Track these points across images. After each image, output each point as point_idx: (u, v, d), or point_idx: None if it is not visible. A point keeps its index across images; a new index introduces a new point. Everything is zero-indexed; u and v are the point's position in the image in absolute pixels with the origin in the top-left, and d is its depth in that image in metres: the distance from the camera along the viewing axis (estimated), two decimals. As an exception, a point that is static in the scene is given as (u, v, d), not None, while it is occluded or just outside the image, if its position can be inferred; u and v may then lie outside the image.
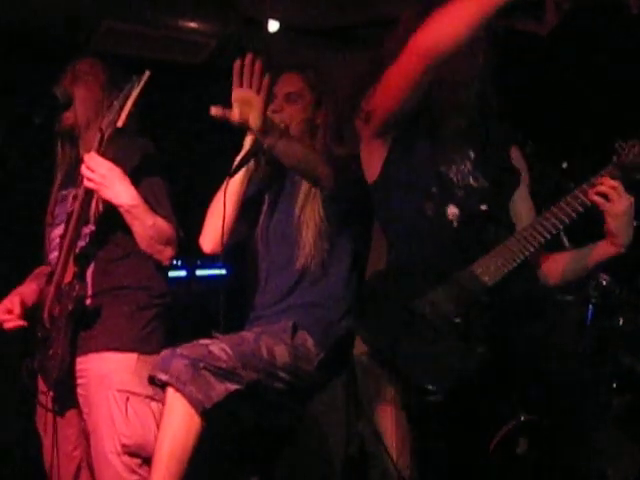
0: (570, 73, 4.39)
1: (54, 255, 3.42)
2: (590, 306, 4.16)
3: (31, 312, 3.41)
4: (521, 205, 3.08)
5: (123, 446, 3.24)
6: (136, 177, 3.29)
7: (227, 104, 2.90)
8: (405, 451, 3.32)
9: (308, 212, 3.31)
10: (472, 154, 2.98)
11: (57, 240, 3.41)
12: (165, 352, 2.97)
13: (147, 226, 3.25)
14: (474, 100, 2.93)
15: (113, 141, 3.17)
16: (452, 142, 2.96)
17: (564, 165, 4.32)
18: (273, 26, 4.84)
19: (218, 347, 2.99)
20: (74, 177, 3.43)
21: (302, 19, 4.89)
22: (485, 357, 2.67)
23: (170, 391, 2.89)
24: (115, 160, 3.22)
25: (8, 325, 3.36)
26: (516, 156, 3.12)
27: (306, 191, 3.32)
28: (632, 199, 2.86)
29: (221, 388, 2.91)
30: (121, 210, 3.21)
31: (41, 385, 3.41)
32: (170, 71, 4.87)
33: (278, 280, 3.42)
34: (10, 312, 3.36)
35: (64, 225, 3.34)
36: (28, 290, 3.47)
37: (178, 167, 3.52)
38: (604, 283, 4.21)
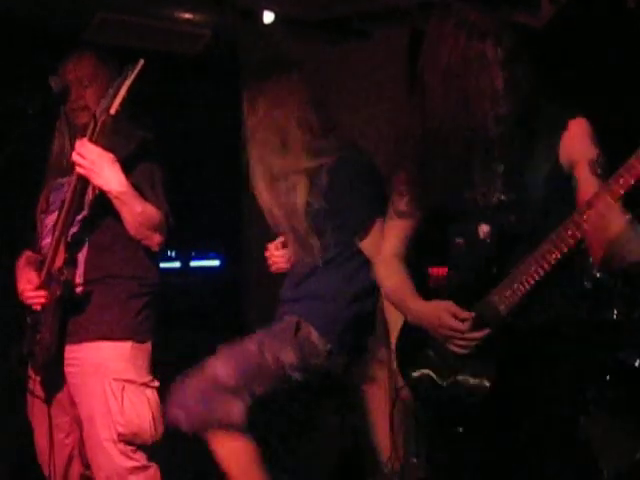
0: (566, 66, 4.39)
1: (47, 241, 3.43)
2: (584, 298, 4.15)
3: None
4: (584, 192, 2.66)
5: (119, 434, 3.28)
6: (130, 163, 3.31)
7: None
8: (399, 444, 3.32)
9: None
10: (501, 167, 2.74)
11: (50, 226, 3.41)
12: (175, 394, 3.16)
13: (136, 213, 3.26)
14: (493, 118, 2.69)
15: (107, 128, 3.17)
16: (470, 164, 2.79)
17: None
18: (268, 17, 4.83)
19: (224, 369, 3.12)
20: (70, 166, 3.41)
21: (298, 10, 4.88)
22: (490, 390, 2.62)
23: (204, 436, 3.13)
24: (109, 147, 3.23)
25: (32, 300, 3.34)
26: (575, 135, 2.66)
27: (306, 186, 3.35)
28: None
29: (239, 406, 3.07)
30: (110, 196, 3.22)
31: (30, 371, 3.43)
32: (165, 62, 4.88)
33: (297, 267, 3.48)
34: (31, 283, 3.37)
35: (58, 211, 3.34)
36: (31, 277, 3.47)
37: (173, 158, 3.52)
38: (597, 275, 4.22)
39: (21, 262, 3.54)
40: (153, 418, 3.37)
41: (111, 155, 3.19)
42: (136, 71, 3.12)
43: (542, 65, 2.55)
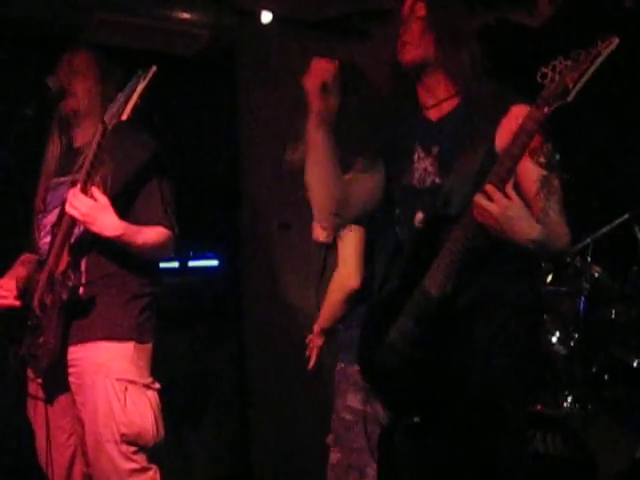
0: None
1: (45, 242, 3.43)
2: (582, 298, 4.16)
3: (21, 298, 3.42)
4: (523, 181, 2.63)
5: (122, 435, 3.28)
6: (144, 174, 3.36)
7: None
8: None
9: None
10: (436, 149, 2.76)
11: (49, 227, 3.41)
12: None
13: (138, 245, 3.31)
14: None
15: (115, 134, 3.17)
16: (404, 147, 2.83)
17: (557, 156, 4.33)
18: (266, 17, 4.83)
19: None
20: (68, 166, 3.44)
21: (296, 10, 4.87)
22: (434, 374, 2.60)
23: None
24: (119, 153, 3.28)
25: (3, 302, 3.40)
26: (514, 121, 2.52)
27: None
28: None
29: None
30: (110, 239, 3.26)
31: (30, 373, 3.43)
32: (162, 62, 4.87)
33: None
34: (6, 290, 3.40)
35: (58, 213, 3.34)
36: (20, 275, 3.47)
37: (170, 159, 3.52)
38: (596, 275, 4.22)
39: (17, 262, 3.55)
40: (155, 420, 3.38)
41: (103, 202, 3.20)
42: (149, 77, 3.11)
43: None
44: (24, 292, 3.41)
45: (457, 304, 2.57)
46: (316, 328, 3.63)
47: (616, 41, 2.35)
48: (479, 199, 2.43)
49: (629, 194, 4.29)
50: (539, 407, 4.10)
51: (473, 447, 2.64)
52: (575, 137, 4.14)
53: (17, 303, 3.39)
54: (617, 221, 4.21)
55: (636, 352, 4.10)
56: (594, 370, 4.15)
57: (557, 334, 4.21)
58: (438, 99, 2.76)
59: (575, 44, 2.40)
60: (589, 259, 4.19)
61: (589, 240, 4.21)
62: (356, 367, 3.09)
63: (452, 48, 2.69)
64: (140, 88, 3.10)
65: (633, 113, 4.36)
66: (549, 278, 4.35)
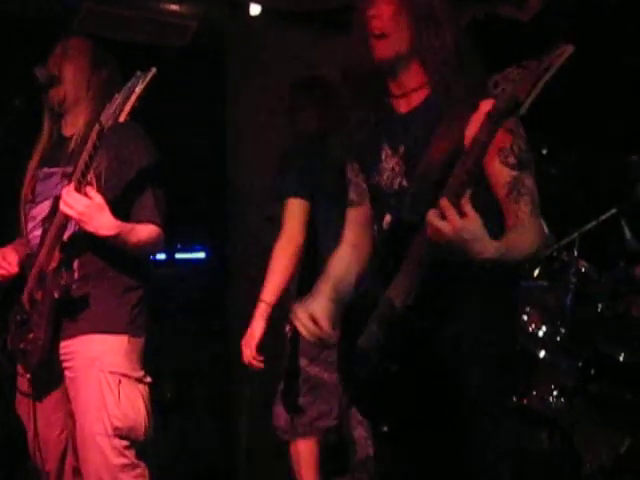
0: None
1: (35, 234, 3.40)
2: (569, 293, 4.16)
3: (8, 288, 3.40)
4: (493, 183, 2.51)
5: (115, 428, 3.26)
6: (136, 183, 3.34)
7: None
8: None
9: None
10: (402, 149, 2.62)
11: (39, 218, 3.39)
12: None
13: (131, 244, 3.28)
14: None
15: (113, 133, 3.15)
16: (372, 144, 2.70)
17: (544, 151, 4.34)
18: (255, 9, 4.82)
19: None
20: (58, 155, 3.42)
21: (285, 2, 4.87)
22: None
23: None
24: (114, 155, 3.28)
25: (1, 271, 3.37)
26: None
27: None
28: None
29: None
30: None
31: (20, 369, 3.40)
32: (151, 53, 4.87)
33: None
34: (4, 259, 3.38)
35: (50, 208, 3.32)
36: (22, 252, 3.46)
37: (157, 150, 3.50)
38: (583, 270, 4.23)
39: (15, 243, 3.53)
40: (147, 414, 3.36)
41: (99, 201, 3.15)
42: (148, 79, 3.07)
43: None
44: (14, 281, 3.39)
45: (423, 313, 2.45)
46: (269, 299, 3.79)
47: (570, 49, 2.19)
48: (432, 218, 2.24)
49: (615, 189, 4.31)
50: (525, 402, 4.10)
51: (450, 450, 2.56)
52: (561, 134, 4.14)
53: (15, 271, 3.37)
54: (604, 216, 4.22)
55: (622, 347, 4.11)
56: (580, 365, 4.15)
57: (543, 328, 4.21)
58: (406, 89, 2.62)
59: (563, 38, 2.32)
60: (576, 253, 4.20)
61: (576, 235, 4.22)
62: None
63: (429, 32, 2.53)
64: (139, 90, 3.04)
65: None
66: (536, 272, 4.36)
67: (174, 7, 4.82)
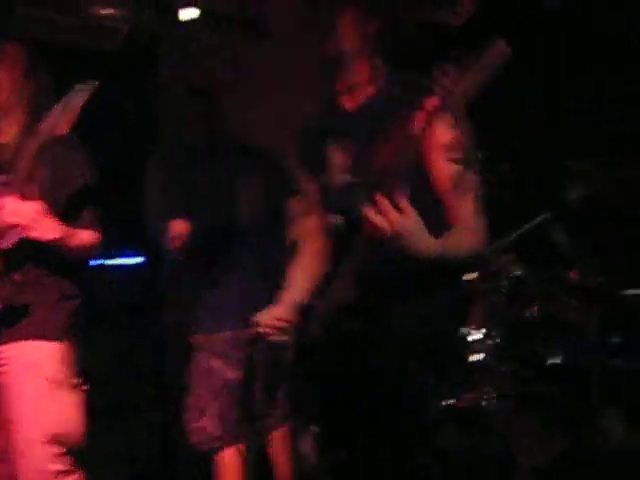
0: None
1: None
2: (504, 296, 4.20)
3: None
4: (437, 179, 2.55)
5: (50, 435, 3.26)
6: (75, 196, 3.34)
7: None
8: None
9: None
10: (349, 146, 2.65)
11: None
12: None
13: (71, 248, 3.30)
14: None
15: (51, 148, 3.11)
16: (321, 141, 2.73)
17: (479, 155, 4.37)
18: (188, 13, 4.81)
19: None
20: None
21: (219, 6, 4.86)
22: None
23: None
24: (53, 165, 3.25)
25: None
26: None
27: None
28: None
29: None
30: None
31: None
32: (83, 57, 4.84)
33: None
34: None
35: None
36: None
37: (93, 154, 3.49)
38: (516, 273, 4.27)
39: None
40: (82, 420, 3.38)
41: (42, 207, 3.18)
42: (88, 92, 3.04)
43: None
44: None
45: (362, 310, 2.50)
46: None
47: (504, 46, 2.20)
48: (368, 214, 2.29)
49: (550, 193, 4.35)
50: (460, 403, 4.13)
51: (384, 451, 2.59)
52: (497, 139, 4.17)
53: None
54: (535, 221, 4.27)
55: (556, 349, 4.16)
56: (515, 366, 4.20)
57: (480, 331, 4.25)
58: (351, 84, 2.66)
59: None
60: (510, 257, 4.24)
61: (511, 238, 4.26)
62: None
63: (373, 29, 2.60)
64: (79, 103, 3.03)
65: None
66: (472, 276, 4.39)
67: (104, 10, 4.79)
